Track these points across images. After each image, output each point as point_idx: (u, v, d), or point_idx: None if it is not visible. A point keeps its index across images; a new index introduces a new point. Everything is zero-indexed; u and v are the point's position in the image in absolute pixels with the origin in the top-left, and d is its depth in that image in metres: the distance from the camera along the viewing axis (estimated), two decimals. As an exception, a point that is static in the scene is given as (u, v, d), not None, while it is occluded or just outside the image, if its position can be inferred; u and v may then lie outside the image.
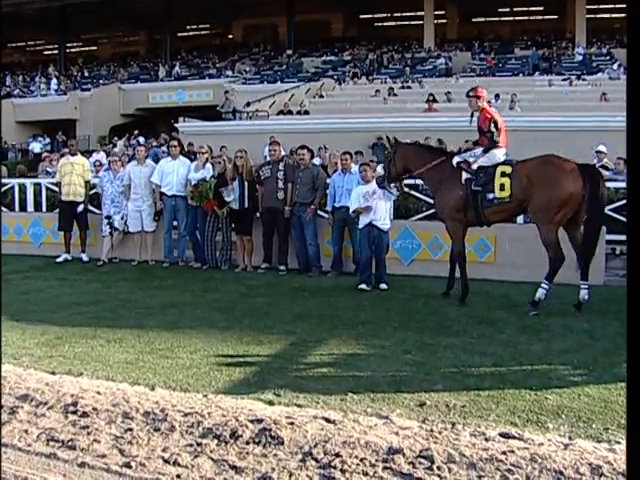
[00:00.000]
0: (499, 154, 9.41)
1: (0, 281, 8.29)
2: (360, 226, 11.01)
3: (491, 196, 9.22)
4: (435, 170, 9.87)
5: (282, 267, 12.42)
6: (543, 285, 8.96)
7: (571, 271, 8.97)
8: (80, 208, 13.97)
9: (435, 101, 26.66)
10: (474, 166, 9.41)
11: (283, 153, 13.62)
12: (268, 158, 14.36)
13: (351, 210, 11.13)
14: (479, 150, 9.52)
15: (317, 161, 16.95)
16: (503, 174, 9.17)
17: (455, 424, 5.19)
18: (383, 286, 10.80)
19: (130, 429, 5.15)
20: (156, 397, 5.88)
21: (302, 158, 12.57)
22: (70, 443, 4.91)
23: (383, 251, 11.05)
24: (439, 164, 9.83)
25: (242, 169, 12.72)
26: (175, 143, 14.37)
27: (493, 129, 9.39)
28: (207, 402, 5.71)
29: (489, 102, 9.99)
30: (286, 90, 32.20)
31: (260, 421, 5.16)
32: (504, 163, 9.32)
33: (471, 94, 9.68)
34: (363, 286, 10.75)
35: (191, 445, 4.88)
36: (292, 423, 5.13)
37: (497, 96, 25.39)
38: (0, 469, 4.49)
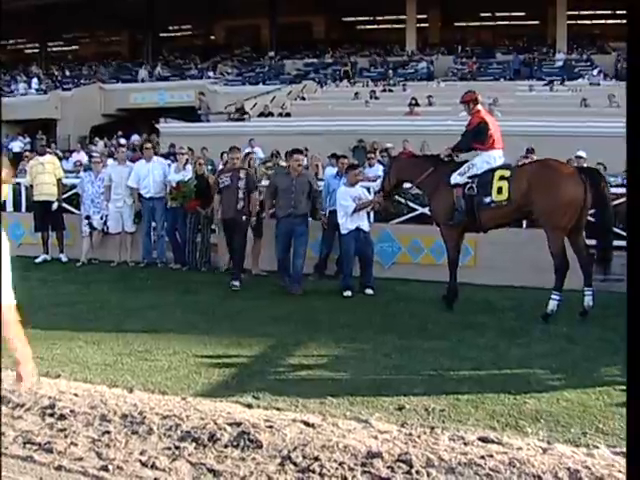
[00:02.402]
0: (496, 155, 9.40)
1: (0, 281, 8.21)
2: (345, 232, 10.80)
3: (488, 199, 9.13)
4: (430, 177, 9.85)
5: (236, 283, 11.24)
6: (553, 296, 8.83)
7: (549, 276, 8.97)
8: (54, 206, 13.88)
9: (417, 105, 26.71)
10: (470, 173, 9.38)
11: (261, 155, 13.34)
12: (221, 166, 14.14)
13: (351, 211, 10.64)
14: (475, 160, 9.48)
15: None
16: (502, 178, 9.08)
17: (434, 428, 5.19)
18: (369, 291, 10.68)
19: (108, 432, 5.11)
20: (134, 400, 5.85)
21: (300, 164, 11.38)
22: (47, 446, 4.87)
23: (372, 254, 11.02)
24: (433, 171, 9.80)
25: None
26: (149, 145, 14.37)
27: (475, 131, 9.43)
28: (185, 405, 5.69)
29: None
30: (268, 92, 32.15)
31: (239, 424, 5.14)
32: (502, 167, 9.30)
33: (466, 98, 9.71)
34: (348, 293, 10.61)
35: (169, 448, 4.86)
36: (271, 426, 5.12)
37: (478, 101, 25.44)
38: (0, 471, 4.45)
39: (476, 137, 9.47)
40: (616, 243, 9.15)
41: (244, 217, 11.34)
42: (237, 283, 11.21)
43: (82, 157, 22.97)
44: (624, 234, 9.55)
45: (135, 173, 13.51)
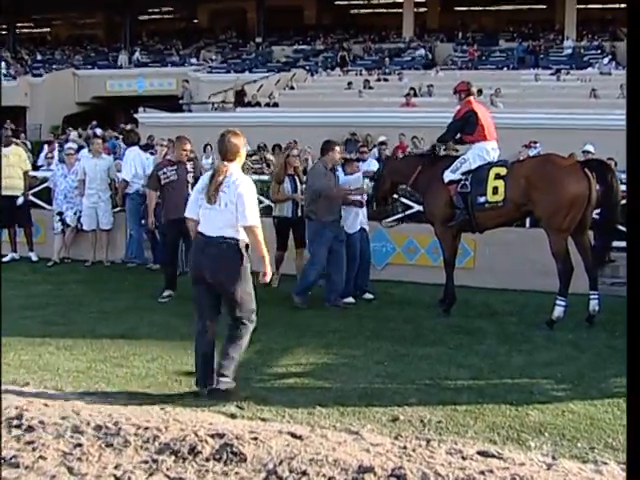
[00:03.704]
0: (489, 147, 9.39)
1: (0, 282, 8.20)
2: (352, 231, 10.39)
3: (482, 199, 9.11)
4: (422, 174, 9.85)
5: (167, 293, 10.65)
6: (559, 302, 8.76)
7: (553, 279, 8.98)
8: (20, 201, 13.75)
9: (415, 95, 26.74)
10: (463, 169, 9.38)
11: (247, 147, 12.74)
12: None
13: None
14: (467, 155, 9.50)
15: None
16: (497, 176, 9.05)
17: (430, 441, 5.19)
18: (369, 296, 10.50)
19: (80, 444, 5.09)
20: (109, 409, 5.83)
21: (338, 157, 10.34)
22: (13, 460, 4.83)
23: (370, 255, 10.80)
24: (426, 169, 9.82)
25: (296, 169, 11.28)
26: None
27: (462, 121, 9.50)
28: (164, 415, 5.68)
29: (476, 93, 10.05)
30: (254, 80, 32.14)
31: (221, 436, 5.13)
32: (498, 164, 9.27)
33: (459, 88, 9.81)
34: (350, 299, 10.26)
35: (146, 462, 4.84)
36: (256, 438, 5.11)
37: (480, 91, 25.36)
38: (0, 473, 4.45)
39: (463, 128, 9.53)
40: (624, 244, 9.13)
41: None
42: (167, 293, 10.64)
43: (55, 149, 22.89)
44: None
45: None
